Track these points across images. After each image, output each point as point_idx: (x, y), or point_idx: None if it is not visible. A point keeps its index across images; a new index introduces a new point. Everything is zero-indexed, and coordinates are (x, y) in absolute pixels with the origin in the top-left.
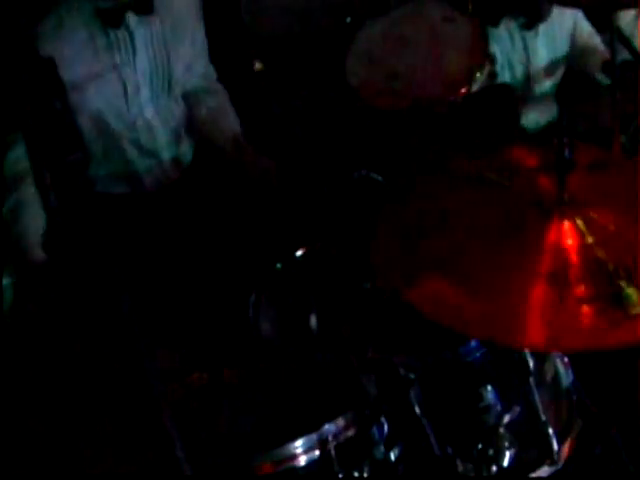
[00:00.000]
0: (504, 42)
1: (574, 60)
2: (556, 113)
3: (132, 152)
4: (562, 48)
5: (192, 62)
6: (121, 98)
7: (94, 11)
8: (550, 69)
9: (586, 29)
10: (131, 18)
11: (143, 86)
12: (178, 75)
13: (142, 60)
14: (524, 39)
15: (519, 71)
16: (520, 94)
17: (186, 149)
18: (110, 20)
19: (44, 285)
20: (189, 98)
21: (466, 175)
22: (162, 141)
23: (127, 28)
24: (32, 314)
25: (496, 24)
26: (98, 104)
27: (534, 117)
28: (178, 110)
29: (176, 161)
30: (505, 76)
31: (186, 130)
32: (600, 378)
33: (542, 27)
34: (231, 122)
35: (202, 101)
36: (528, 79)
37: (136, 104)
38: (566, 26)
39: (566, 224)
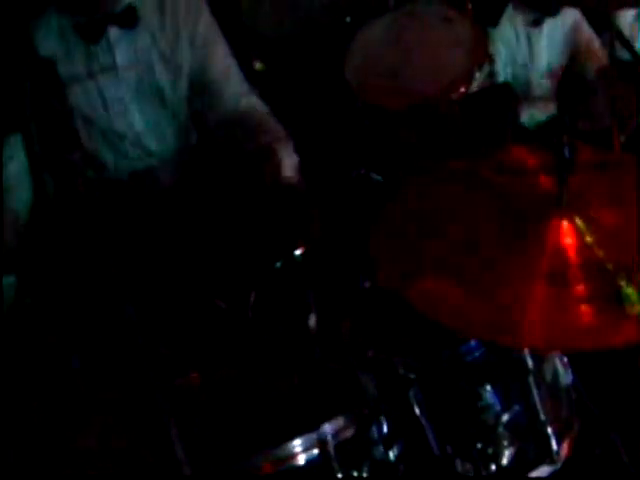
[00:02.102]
0: (509, 40)
1: (572, 61)
2: (554, 111)
3: (122, 159)
4: (563, 48)
5: (214, 82)
6: (100, 108)
7: (72, 25)
8: (551, 68)
9: (586, 31)
10: (113, 32)
11: (130, 101)
12: (175, 91)
13: (126, 75)
14: (529, 37)
15: (521, 69)
16: (520, 93)
17: (183, 157)
18: (89, 35)
19: (45, 286)
20: (235, 126)
21: (462, 174)
22: (155, 151)
23: (107, 42)
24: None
25: (496, 24)
26: (75, 110)
27: (532, 115)
28: (175, 123)
29: (172, 165)
30: (507, 74)
31: (183, 140)
32: (600, 378)
33: (546, 26)
34: (289, 164)
35: (251, 136)
36: (529, 78)
37: (122, 117)
38: (567, 26)
39: (566, 224)
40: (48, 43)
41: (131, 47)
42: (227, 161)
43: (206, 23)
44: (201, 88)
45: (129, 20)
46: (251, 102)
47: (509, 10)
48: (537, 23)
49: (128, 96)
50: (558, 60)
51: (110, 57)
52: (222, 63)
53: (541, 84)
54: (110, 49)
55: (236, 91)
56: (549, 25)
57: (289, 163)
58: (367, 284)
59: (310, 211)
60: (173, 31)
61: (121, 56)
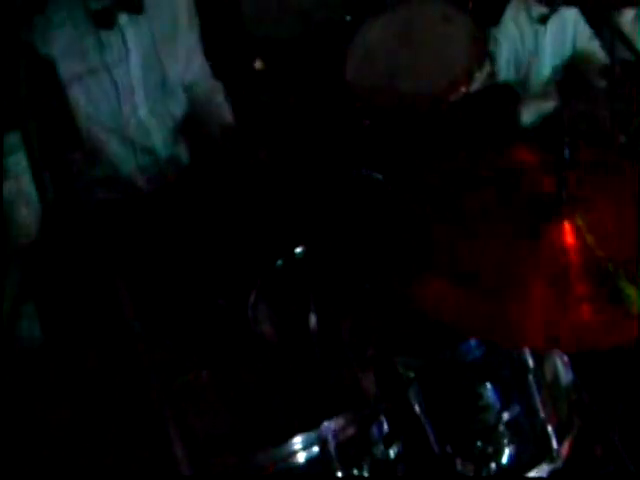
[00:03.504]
0: (513, 38)
1: (574, 63)
2: (552, 110)
3: (127, 151)
4: (565, 48)
5: (189, 59)
6: (113, 98)
7: (85, 12)
8: (553, 68)
9: (586, 32)
10: (122, 18)
11: (137, 86)
12: (174, 74)
13: (135, 60)
14: (535, 35)
15: (523, 68)
16: (521, 92)
17: (185, 147)
18: (102, 21)
19: (45, 286)
20: (187, 93)
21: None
22: (158, 140)
23: (119, 28)
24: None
25: (496, 23)
26: (89, 103)
27: (530, 114)
28: (176, 108)
29: (174, 160)
30: (509, 73)
31: (185, 127)
32: (600, 378)
33: (550, 25)
34: (226, 116)
35: (201, 95)
36: (531, 77)
37: (129, 104)
38: (569, 26)
39: (566, 224)
40: (61, 37)
41: (139, 33)
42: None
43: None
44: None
45: (136, 6)
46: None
47: (514, 8)
48: (542, 20)
49: (135, 81)
50: (560, 59)
51: (122, 44)
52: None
53: (542, 84)
54: (122, 36)
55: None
56: (553, 24)
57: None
58: (368, 284)
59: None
60: (173, 17)
61: (131, 42)
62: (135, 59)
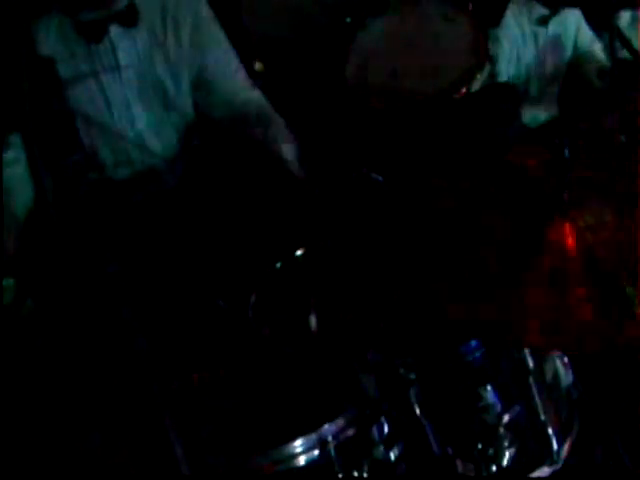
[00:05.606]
0: (515, 39)
1: (573, 63)
2: (556, 111)
3: (123, 160)
4: (566, 49)
5: (213, 79)
6: (104, 108)
7: (74, 24)
8: (554, 69)
9: (588, 34)
10: (114, 31)
11: (133, 101)
12: (179, 90)
13: (129, 74)
14: (535, 36)
15: (524, 69)
16: (522, 93)
17: (186, 158)
18: (91, 35)
19: (45, 286)
20: (236, 120)
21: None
22: (157, 150)
23: (110, 41)
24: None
25: (497, 24)
26: (78, 108)
27: (533, 114)
28: (178, 118)
29: (174, 165)
30: (509, 74)
31: (187, 140)
32: (600, 378)
33: (551, 26)
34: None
35: (255, 126)
36: (532, 78)
37: (125, 116)
38: (571, 28)
39: (566, 224)
40: (49, 43)
41: (132, 46)
42: (230, 157)
43: (206, 20)
44: (203, 86)
45: (130, 18)
46: (251, 96)
47: (515, 9)
48: (543, 22)
49: (131, 95)
50: (561, 60)
51: (112, 56)
52: (223, 60)
53: (543, 84)
54: (112, 48)
55: (236, 87)
56: (554, 25)
57: (288, 149)
58: (367, 284)
59: (311, 199)
60: (174, 30)
61: (123, 55)
62: (129, 73)
